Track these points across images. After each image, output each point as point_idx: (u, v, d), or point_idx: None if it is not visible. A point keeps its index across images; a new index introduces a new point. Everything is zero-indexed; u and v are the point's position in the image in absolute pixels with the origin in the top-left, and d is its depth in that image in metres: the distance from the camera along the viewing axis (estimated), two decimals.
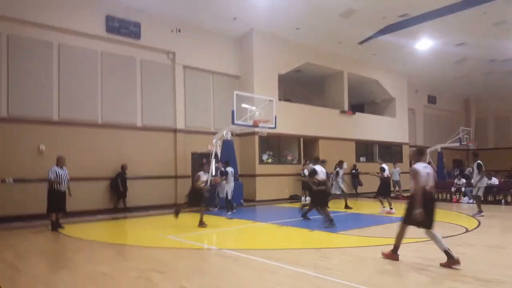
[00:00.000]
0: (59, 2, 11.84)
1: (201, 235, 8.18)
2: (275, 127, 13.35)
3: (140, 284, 4.70)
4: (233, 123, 12.54)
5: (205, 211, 9.49)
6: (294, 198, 16.24)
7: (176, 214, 9.20)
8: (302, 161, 17.01)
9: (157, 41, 13.94)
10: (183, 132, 14.56)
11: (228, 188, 11.72)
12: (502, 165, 21.46)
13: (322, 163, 9.93)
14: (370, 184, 16.64)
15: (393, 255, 5.58)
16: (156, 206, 13.16)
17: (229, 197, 11.73)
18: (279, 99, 16.47)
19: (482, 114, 29.09)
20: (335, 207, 12.31)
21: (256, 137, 15.54)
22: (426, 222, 5.28)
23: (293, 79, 18.95)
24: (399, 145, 22.72)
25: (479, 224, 9.17)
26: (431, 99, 26.51)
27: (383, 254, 5.73)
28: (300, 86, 20.58)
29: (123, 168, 12.58)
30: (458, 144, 23.25)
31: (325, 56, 18.29)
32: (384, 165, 11.94)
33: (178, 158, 14.29)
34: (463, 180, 15.55)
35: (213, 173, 12.47)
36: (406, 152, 22.97)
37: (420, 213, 5.15)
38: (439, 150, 22.68)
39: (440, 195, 15.46)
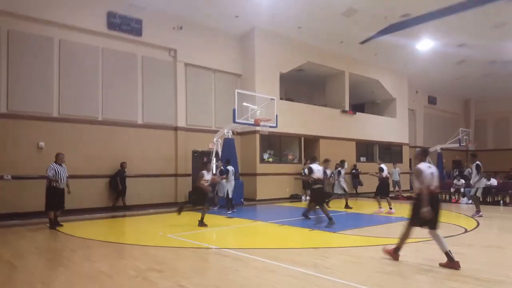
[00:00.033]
0: None
1: (200, 234, 8.17)
2: (276, 126, 13.40)
3: (138, 282, 4.67)
4: (234, 121, 12.57)
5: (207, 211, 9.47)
6: (294, 198, 16.29)
7: (179, 211, 9.24)
8: (303, 160, 17.05)
9: (159, 38, 13.96)
10: (184, 130, 14.60)
11: (229, 186, 11.73)
12: (501, 166, 21.53)
13: (326, 162, 9.99)
14: (370, 184, 16.68)
15: (394, 254, 5.61)
16: (156, 205, 13.18)
17: (230, 195, 11.76)
18: (281, 98, 16.52)
19: (482, 115, 29.17)
20: (335, 206, 12.37)
21: (257, 136, 15.58)
22: (432, 222, 5.29)
23: (294, 78, 18.98)
24: (399, 146, 22.77)
25: (478, 224, 9.23)
26: (432, 100, 26.56)
27: (384, 250, 5.75)
28: (301, 85, 20.62)
29: (122, 166, 12.56)
30: (457, 145, 23.33)
31: (326, 56, 18.33)
32: (382, 165, 11.99)
33: (179, 156, 14.31)
34: (462, 181, 15.62)
35: (213, 172, 12.50)
36: (406, 152, 23.06)
37: (428, 211, 5.14)
38: (438, 151, 22.75)
39: (439, 195, 15.51)
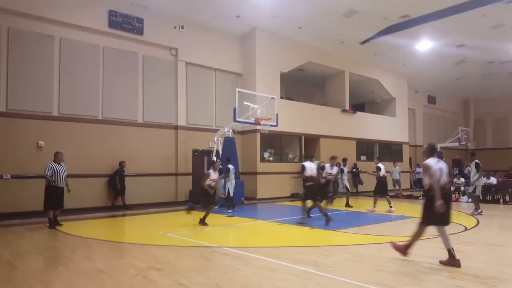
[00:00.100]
0: None
1: (201, 233, 8.15)
2: (276, 125, 13.44)
3: (138, 281, 4.65)
4: (235, 120, 12.61)
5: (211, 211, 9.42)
6: (295, 196, 16.33)
7: (189, 211, 9.14)
8: (303, 159, 17.08)
9: (160, 37, 13.99)
10: (184, 128, 14.63)
11: (229, 185, 11.76)
12: (500, 165, 21.61)
13: (333, 159, 10.08)
14: (371, 182, 16.72)
15: (403, 250, 5.50)
16: (156, 204, 13.17)
17: (231, 194, 11.77)
18: (281, 97, 16.56)
19: (481, 115, 29.28)
20: (336, 205, 12.42)
21: (258, 135, 15.62)
22: (444, 219, 5.23)
23: (295, 78, 19.04)
24: (399, 145, 22.84)
25: (478, 222, 9.29)
26: (431, 100, 26.63)
27: (394, 245, 5.63)
28: (302, 85, 20.67)
29: (121, 165, 12.51)
30: (457, 144, 23.40)
31: (327, 56, 18.38)
32: (380, 165, 12.06)
33: (179, 155, 14.34)
34: (462, 180, 15.68)
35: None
36: (406, 151, 23.15)
37: (441, 205, 5.07)
38: (438, 150, 22.79)
39: (449, 191, 15.56)
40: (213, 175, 9.20)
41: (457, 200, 15.14)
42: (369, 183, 17.75)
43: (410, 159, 23.41)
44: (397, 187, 17.33)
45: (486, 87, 25.37)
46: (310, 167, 9.26)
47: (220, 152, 13.59)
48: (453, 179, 16.42)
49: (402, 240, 6.57)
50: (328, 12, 14.23)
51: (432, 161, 5.41)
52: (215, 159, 10.92)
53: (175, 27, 14.32)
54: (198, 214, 9.56)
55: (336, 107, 19.26)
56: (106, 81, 12.84)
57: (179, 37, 14.43)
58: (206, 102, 15.46)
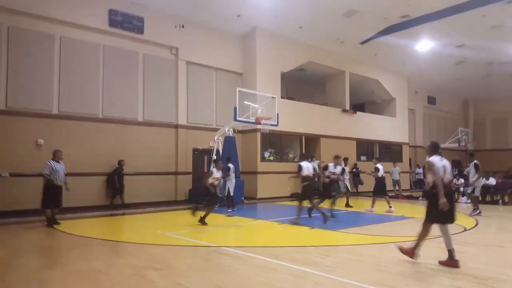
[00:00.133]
0: None
1: (200, 233, 8.11)
2: (277, 125, 13.46)
3: (135, 281, 4.62)
4: (235, 119, 12.63)
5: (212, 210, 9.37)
6: (295, 196, 16.33)
7: (194, 211, 9.02)
8: (300, 159, 17.11)
9: (161, 36, 14.00)
10: (184, 128, 14.64)
11: (229, 184, 11.77)
12: (499, 166, 21.59)
13: (337, 158, 10.09)
14: (371, 183, 16.74)
15: (411, 252, 5.44)
16: (156, 203, 13.13)
17: (231, 193, 11.77)
18: (282, 97, 16.58)
19: (480, 115, 29.32)
20: (336, 205, 12.42)
21: (258, 134, 15.64)
22: (448, 216, 5.22)
23: (295, 78, 19.05)
24: (399, 145, 22.87)
25: (477, 223, 9.32)
26: (431, 100, 26.66)
27: (400, 248, 5.58)
28: (302, 85, 20.69)
29: (120, 163, 12.46)
30: (456, 144, 23.42)
31: (327, 56, 18.41)
32: (378, 165, 12.11)
33: (179, 154, 14.35)
34: (462, 180, 15.70)
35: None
36: (406, 151, 23.19)
37: (445, 203, 5.04)
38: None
39: (452, 189, 15.61)
40: (216, 173, 9.17)
41: (456, 201, 15.15)
42: (369, 183, 17.76)
43: (410, 159, 23.44)
44: (397, 188, 17.35)
45: (486, 88, 25.40)
46: (307, 167, 9.28)
47: (221, 151, 13.60)
48: (453, 179, 16.45)
49: (402, 241, 6.59)
50: (328, 12, 14.24)
51: (435, 159, 5.39)
52: (215, 158, 10.91)
53: (175, 27, 14.33)
54: (201, 214, 9.56)
55: (336, 107, 19.29)
56: (106, 80, 12.85)
57: (179, 36, 14.44)
58: (207, 101, 15.47)
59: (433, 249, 5.62)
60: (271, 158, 16.62)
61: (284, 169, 16.67)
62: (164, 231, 8.08)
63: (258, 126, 13.89)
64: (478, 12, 13.80)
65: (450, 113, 28.65)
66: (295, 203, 9.74)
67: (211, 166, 12.31)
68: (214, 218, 9.72)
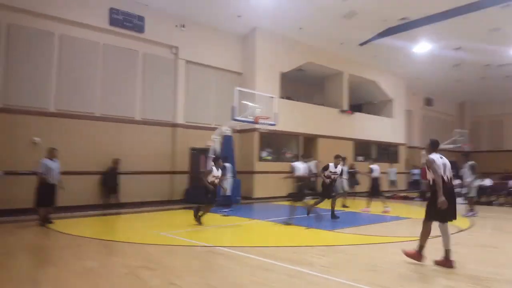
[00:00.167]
0: None
1: (195, 232, 8.09)
2: (275, 124, 13.48)
3: (128, 280, 4.60)
4: (233, 119, 12.64)
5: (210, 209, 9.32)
6: (292, 196, 16.34)
7: (196, 215, 8.91)
8: (295, 159, 17.16)
9: (161, 35, 14.02)
10: (182, 127, 14.64)
11: (226, 184, 11.76)
12: (495, 167, 21.72)
13: (337, 158, 10.14)
14: (368, 183, 16.82)
15: (417, 255, 5.36)
16: (152, 202, 13.00)
17: (228, 193, 11.76)
18: (281, 97, 16.60)
19: (477, 117, 29.50)
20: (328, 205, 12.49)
21: (256, 134, 15.67)
22: (448, 214, 5.19)
23: (294, 78, 19.10)
24: (396, 146, 22.98)
25: (472, 224, 9.39)
26: (428, 101, 26.77)
27: (406, 253, 5.46)
28: (300, 85, 20.74)
29: (116, 162, 12.30)
30: (453, 146, 23.51)
31: (326, 56, 18.48)
32: (372, 166, 12.20)
33: (177, 153, 14.35)
34: (458, 181, 15.77)
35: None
36: (403, 152, 23.28)
37: (444, 201, 5.03)
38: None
39: (453, 186, 15.70)
40: (216, 172, 9.10)
41: None
42: (364, 183, 17.84)
43: (407, 160, 23.52)
44: (393, 188, 17.41)
45: (483, 90, 25.54)
46: (300, 167, 9.30)
47: (218, 150, 13.59)
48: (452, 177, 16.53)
49: (398, 241, 6.64)
50: (328, 13, 14.32)
51: (435, 156, 5.39)
52: (216, 156, 10.87)
53: (176, 26, 14.34)
54: (190, 214, 9.49)
55: (335, 107, 19.36)
56: (105, 78, 12.84)
57: (179, 35, 14.46)
58: (205, 101, 15.49)
59: (429, 249, 5.64)
60: (269, 158, 16.63)
61: (282, 169, 16.65)
62: (159, 231, 8.03)
63: (256, 126, 13.92)
64: (476, 15, 13.89)
65: (447, 115, 28.79)
66: (289, 203, 9.74)
67: (210, 165, 12.27)
68: (210, 218, 9.69)
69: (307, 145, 18.01)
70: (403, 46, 17.45)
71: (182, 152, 14.39)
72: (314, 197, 11.49)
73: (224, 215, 10.64)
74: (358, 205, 13.61)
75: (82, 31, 12.34)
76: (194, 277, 4.87)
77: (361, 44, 17.42)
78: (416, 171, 20.25)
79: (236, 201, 13.33)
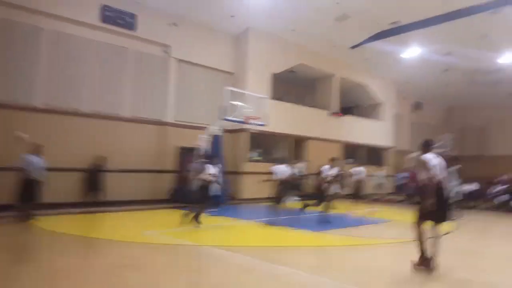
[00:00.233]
0: None
1: (180, 232, 8.03)
2: (265, 125, 13.50)
3: (111, 279, 4.57)
4: (223, 118, 12.62)
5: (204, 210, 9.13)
6: (273, 199, 16.37)
7: (187, 215, 8.83)
8: (291, 160, 17.21)
9: (153, 33, 13.92)
10: (172, 125, 14.56)
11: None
12: (480, 172, 22.07)
13: (333, 160, 10.18)
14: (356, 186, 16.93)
15: (425, 263, 5.19)
16: (138, 201, 12.82)
17: (215, 193, 11.71)
18: (272, 98, 16.63)
19: (464, 122, 29.93)
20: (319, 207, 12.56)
21: (245, 134, 15.67)
22: (438, 216, 5.15)
23: (285, 79, 19.14)
24: (385, 149, 23.21)
25: (456, 228, 9.53)
26: (417, 106, 27.10)
27: (414, 266, 5.25)
28: (292, 86, 20.79)
29: (102, 160, 12.09)
30: (441, 150, 23.83)
31: (318, 59, 18.57)
32: (354, 169, 12.38)
33: (166, 152, 14.25)
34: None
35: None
36: (392, 156, 23.53)
37: (432, 204, 4.99)
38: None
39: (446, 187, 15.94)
40: (212, 169, 8.97)
41: None
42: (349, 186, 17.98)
43: (395, 163, 23.75)
44: (381, 191, 17.59)
45: (470, 96, 25.95)
46: (281, 170, 9.31)
47: (208, 150, 13.54)
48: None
49: (383, 243, 6.71)
50: (321, 16, 14.41)
51: (428, 157, 5.34)
52: (211, 154, 10.77)
53: (168, 24, 14.26)
54: (176, 213, 9.43)
55: (325, 109, 19.47)
56: (95, 75, 12.70)
57: (172, 34, 14.38)
58: (196, 100, 15.43)
59: (412, 252, 5.72)
60: (258, 158, 16.63)
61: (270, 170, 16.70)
62: (144, 230, 7.99)
63: (246, 126, 13.91)
64: (465, 21, 14.11)
65: (435, 119, 29.19)
66: (283, 204, 9.76)
67: (202, 164, 12.15)
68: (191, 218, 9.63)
69: (297, 146, 18.08)
70: (394, 50, 17.64)
71: (170, 151, 14.31)
72: (303, 199, 11.48)
73: (211, 215, 10.60)
74: (344, 207, 13.73)
75: (73, 27, 12.19)
76: (177, 276, 4.86)
77: (353, 47, 17.55)
78: (403, 175, 20.46)
79: (224, 201, 13.31)
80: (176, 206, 12.09)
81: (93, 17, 12.50)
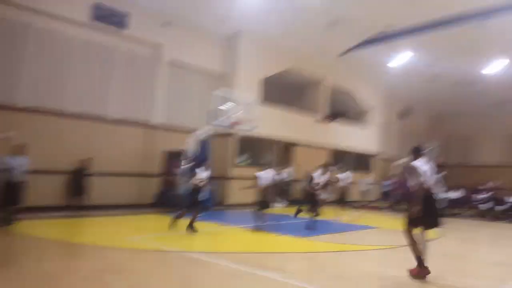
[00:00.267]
0: None
1: (164, 237, 7.90)
2: (254, 129, 13.45)
3: (94, 284, 4.48)
4: (211, 122, 12.51)
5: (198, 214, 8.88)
6: (258, 205, 16.26)
7: (176, 220, 8.66)
8: (278, 165, 17.22)
9: (144, 33, 13.75)
10: (159, 128, 14.39)
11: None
12: (465, 181, 22.43)
13: (324, 167, 10.15)
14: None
15: (422, 271, 5.08)
16: (123, 205, 12.55)
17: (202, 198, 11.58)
18: (261, 102, 16.64)
19: (449, 131, 30.48)
20: (303, 213, 12.56)
21: (233, 139, 15.60)
22: (429, 222, 5.12)
23: (275, 84, 19.15)
24: (371, 156, 23.42)
25: (440, 234, 9.59)
26: (404, 113, 27.44)
27: (411, 274, 5.16)
28: (281, 91, 20.82)
29: (86, 162, 11.77)
30: (430, 156, 24.16)
31: (308, 64, 18.68)
32: (340, 175, 12.46)
33: (151, 156, 14.02)
34: None
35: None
36: (378, 162, 23.76)
37: (418, 210, 4.97)
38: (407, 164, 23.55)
39: (435, 194, 16.14)
40: (203, 173, 8.83)
41: None
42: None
43: (381, 170, 23.96)
44: (366, 198, 17.70)
45: (456, 104, 26.44)
46: (264, 177, 9.28)
47: (194, 154, 13.41)
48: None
49: (368, 249, 6.70)
50: (312, 21, 14.54)
51: (418, 163, 5.30)
52: (204, 158, 10.61)
53: (160, 25, 14.13)
54: (161, 218, 9.27)
55: (313, 115, 19.57)
56: (82, 75, 12.47)
57: (163, 34, 14.23)
58: (185, 102, 15.31)
59: (394, 258, 5.73)
60: (245, 163, 16.54)
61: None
62: (127, 235, 7.83)
63: (234, 130, 13.83)
64: (452, 31, 14.39)
65: (421, 127, 29.58)
66: (268, 210, 9.68)
67: (192, 168, 12.00)
68: (181, 223, 9.34)
69: (285, 151, 18.10)
70: (382, 58, 17.89)
71: (156, 155, 14.14)
72: (291, 204, 11.40)
73: (197, 220, 10.45)
74: (329, 214, 13.77)
75: (62, 25, 11.92)
76: (160, 281, 4.78)
77: (341, 55, 17.73)
78: (388, 182, 20.63)
79: (209, 206, 13.16)
80: (162, 211, 11.91)
81: (84, 15, 12.28)
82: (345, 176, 12.41)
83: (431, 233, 9.46)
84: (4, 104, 10.86)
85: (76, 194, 11.70)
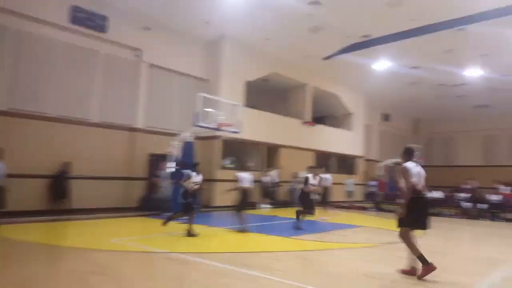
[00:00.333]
0: None
1: (150, 239, 7.86)
2: (238, 132, 13.45)
3: (75, 285, 4.40)
4: (195, 125, 12.46)
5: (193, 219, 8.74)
6: (236, 207, 16.24)
7: (166, 223, 8.60)
8: (264, 168, 17.26)
9: (124, 37, 13.66)
10: (142, 131, 14.26)
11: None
12: (446, 181, 22.96)
13: (314, 168, 10.15)
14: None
15: (427, 269, 5.04)
16: (106, 209, 12.35)
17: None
18: (245, 106, 16.64)
19: (430, 133, 31.24)
20: (289, 213, 12.59)
21: (218, 142, 15.56)
22: (419, 223, 5.17)
23: (258, 87, 19.24)
24: (355, 158, 23.73)
25: (424, 233, 9.78)
26: (386, 117, 27.98)
27: (419, 276, 5.09)
28: (265, 95, 20.92)
29: (67, 166, 11.62)
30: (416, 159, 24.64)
31: (291, 68, 18.85)
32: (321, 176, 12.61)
33: (135, 159, 13.88)
34: None
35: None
36: (361, 164, 24.10)
37: (408, 212, 5.01)
38: (391, 165, 23.91)
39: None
40: (196, 178, 8.76)
41: None
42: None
43: (365, 172, 24.29)
44: (350, 199, 17.90)
45: (436, 108, 27.09)
46: (246, 179, 9.30)
47: (179, 157, 13.31)
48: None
49: (354, 247, 6.77)
50: (294, 26, 14.66)
51: (410, 165, 5.34)
52: (197, 162, 10.50)
53: (140, 28, 14.05)
54: (145, 221, 9.21)
55: (298, 118, 19.71)
56: (62, 78, 12.27)
57: (144, 38, 14.16)
58: (168, 106, 15.21)
59: (382, 256, 5.81)
60: (231, 166, 16.53)
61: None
62: (112, 237, 7.71)
63: (219, 133, 13.81)
64: (432, 36, 14.77)
65: (403, 130, 30.22)
66: (253, 212, 9.69)
67: (181, 171, 11.86)
68: (167, 225, 9.34)
69: (270, 154, 18.15)
70: (364, 62, 18.18)
71: (140, 158, 13.96)
72: (276, 206, 11.44)
73: (182, 222, 10.36)
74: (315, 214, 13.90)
75: (40, 28, 11.76)
76: (146, 282, 4.72)
77: (325, 58, 17.95)
78: (373, 183, 20.93)
79: (196, 208, 13.03)
80: (146, 214, 11.77)
81: (62, 17, 12.11)
82: (325, 177, 12.57)
83: (415, 232, 9.73)
84: None
85: (58, 197, 11.50)
